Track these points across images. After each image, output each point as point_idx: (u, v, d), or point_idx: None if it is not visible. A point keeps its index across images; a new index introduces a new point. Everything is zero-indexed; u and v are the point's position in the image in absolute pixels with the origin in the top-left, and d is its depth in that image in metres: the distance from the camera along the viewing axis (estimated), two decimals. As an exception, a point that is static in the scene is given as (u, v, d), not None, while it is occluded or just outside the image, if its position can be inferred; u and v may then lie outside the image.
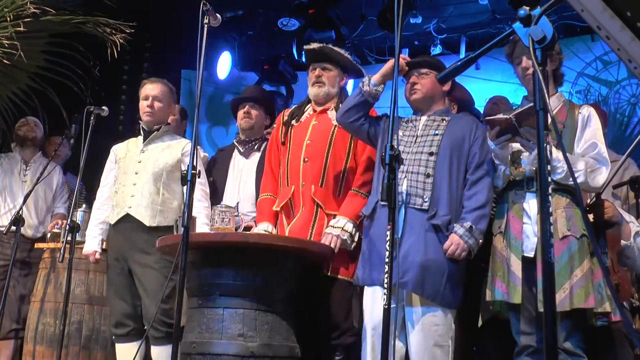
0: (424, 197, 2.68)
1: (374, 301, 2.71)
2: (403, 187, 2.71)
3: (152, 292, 3.18)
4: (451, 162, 2.75)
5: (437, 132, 2.82)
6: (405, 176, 2.73)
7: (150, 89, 3.47)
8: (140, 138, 3.53)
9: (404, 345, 2.68)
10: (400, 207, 2.69)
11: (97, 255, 3.42)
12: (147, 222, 3.28)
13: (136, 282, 3.29)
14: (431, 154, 2.76)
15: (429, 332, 2.60)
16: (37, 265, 3.92)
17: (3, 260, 4.10)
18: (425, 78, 2.90)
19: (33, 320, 3.67)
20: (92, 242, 3.44)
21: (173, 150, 3.42)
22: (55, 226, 4.01)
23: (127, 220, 3.32)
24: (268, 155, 3.34)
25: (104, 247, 3.49)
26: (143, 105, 3.47)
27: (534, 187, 2.64)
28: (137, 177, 3.37)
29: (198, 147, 3.53)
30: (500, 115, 2.66)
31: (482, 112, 4.24)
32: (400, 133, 2.89)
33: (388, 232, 2.16)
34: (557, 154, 2.56)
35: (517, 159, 2.72)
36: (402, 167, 2.73)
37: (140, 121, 3.55)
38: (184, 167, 3.23)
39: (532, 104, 2.58)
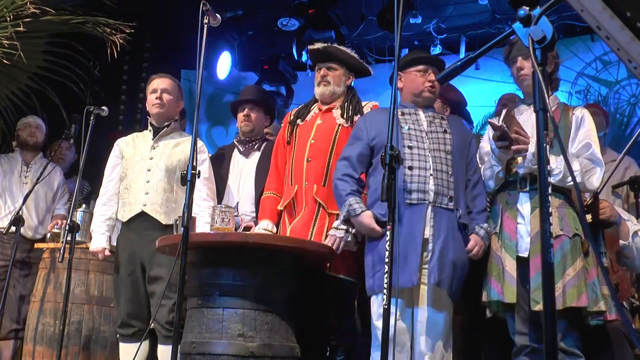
0: (449, 195, 2.72)
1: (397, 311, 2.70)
2: (430, 185, 2.70)
3: (168, 291, 3.09)
4: (461, 162, 2.82)
5: (446, 130, 2.86)
6: (432, 174, 2.72)
7: (159, 83, 3.45)
8: (148, 133, 3.50)
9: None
10: (427, 206, 2.69)
11: (107, 253, 3.38)
12: (163, 220, 3.25)
13: (148, 281, 3.23)
14: (448, 152, 2.79)
15: (441, 328, 2.62)
16: (37, 265, 3.92)
17: (3, 260, 4.10)
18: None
19: (33, 320, 3.67)
20: (100, 239, 3.38)
21: (185, 146, 3.38)
22: (55, 226, 4.01)
23: (141, 218, 3.27)
24: (274, 154, 3.34)
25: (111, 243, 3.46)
26: (151, 98, 3.43)
27: (527, 187, 2.66)
28: (150, 174, 3.33)
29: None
30: (496, 121, 2.73)
31: (476, 111, 4.26)
32: (400, 126, 2.87)
33: (388, 232, 2.16)
34: (549, 157, 2.57)
35: (512, 161, 2.72)
36: (419, 162, 2.73)
37: (148, 117, 3.52)
38: (197, 165, 3.19)
39: (505, 108, 2.66)
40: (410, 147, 2.77)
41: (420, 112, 2.91)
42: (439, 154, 2.77)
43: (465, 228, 2.74)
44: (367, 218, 2.71)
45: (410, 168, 2.73)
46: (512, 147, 2.61)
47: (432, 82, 2.90)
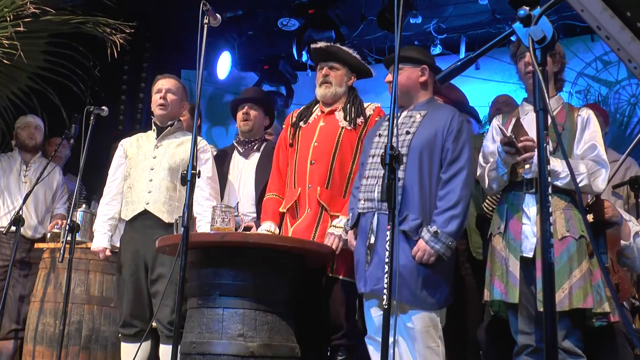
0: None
1: (368, 311, 2.76)
2: (375, 193, 2.71)
3: (170, 291, 3.07)
4: (421, 163, 2.71)
5: (410, 130, 2.80)
6: (377, 181, 2.73)
7: (163, 83, 3.47)
8: (151, 133, 3.51)
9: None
10: (373, 214, 2.71)
11: (107, 252, 3.39)
12: (166, 218, 3.25)
13: (151, 281, 3.23)
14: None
15: (415, 334, 2.61)
16: (36, 265, 3.92)
17: (3, 260, 4.10)
18: (400, 73, 2.87)
19: (33, 320, 3.67)
20: (102, 239, 3.38)
21: (188, 146, 3.36)
22: (55, 226, 4.01)
23: (144, 216, 3.28)
24: (276, 156, 3.34)
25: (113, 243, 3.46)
26: (156, 98, 3.44)
27: (532, 188, 2.65)
28: (153, 173, 3.34)
29: (210, 145, 3.53)
30: (499, 120, 2.75)
31: (478, 111, 4.26)
32: (378, 134, 2.90)
33: (388, 233, 2.16)
34: (554, 161, 2.57)
35: (518, 164, 2.72)
36: (374, 171, 2.75)
37: (152, 116, 3.53)
38: (200, 164, 3.19)
39: (500, 112, 2.66)
40: (372, 156, 2.83)
41: (402, 115, 2.88)
42: None
43: (415, 233, 2.64)
44: (350, 235, 2.86)
45: (367, 178, 2.79)
46: (519, 157, 2.60)
47: (388, 82, 2.90)
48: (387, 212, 2.63)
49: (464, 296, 3.18)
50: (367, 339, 2.77)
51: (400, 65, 2.87)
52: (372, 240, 2.68)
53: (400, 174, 2.68)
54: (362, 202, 2.77)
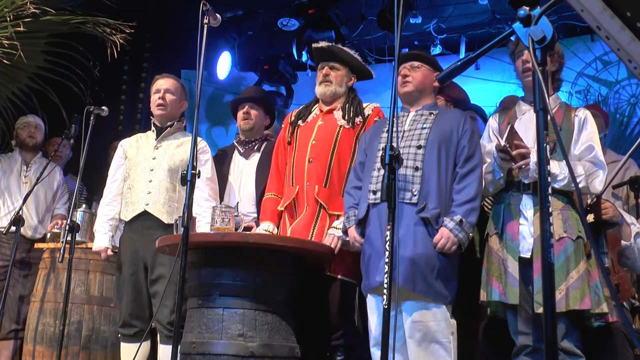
0: (413, 190, 2.67)
1: (376, 310, 2.70)
2: None
3: (170, 291, 3.07)
4: (439, 155, 2.72)
5: (425, 125, 2.80)
6: None
7: (162, 83, 3.46)
8: (151, 134, 3.51)
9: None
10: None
11: (109, 252, 3.39)
12: (166, 219, 3.25)
13: (151, 282, 3.23)
14: (419, 147, 2.74)
15: (424, 328, 2.58)
16: (36, 265, 3.92)
17: (3, 260, 4.10)
18: (417, 71, 2.89)
19: (33, 320, 3.67)
20: (103, 239, 3.39)
21: (188, 146, 3.37)
22: (55, 226, 4.01)
23: (144, 217, 3.28)
24: (275, 155, 3.34)
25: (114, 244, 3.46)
26: (154, 98, 3.44)
27: (529, 189, 2.65)
28: (153, 174, 3.34)
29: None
30: (496, 119, 2.75)
31: (482, 109, 4.25)
32: (385, 130, 2.88)
33: (388, 232, 2.16)
34: (551, 163, 2.56)
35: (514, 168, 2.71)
36: None
37: (151, 117, 3.53)
38: (200, 165, 3.19)
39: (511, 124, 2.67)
40: (383, 149, 2.79)
41: (412, 113, 2.90)
42: (408, 149, 2.73)
43: (435, 222, 2.63)
44: (351, 232, 2.81)
45: (378, 169, 2.75)
46: (514, 165, 2.60)
47: (402, 76, 2.89)
48: (404, 201, 2.65)
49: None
50: (374, 348, 2.71)
51: (418, 64, 2.91)
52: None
53: (419, 164, 2.69)
54: (374, 193, 2.74)
